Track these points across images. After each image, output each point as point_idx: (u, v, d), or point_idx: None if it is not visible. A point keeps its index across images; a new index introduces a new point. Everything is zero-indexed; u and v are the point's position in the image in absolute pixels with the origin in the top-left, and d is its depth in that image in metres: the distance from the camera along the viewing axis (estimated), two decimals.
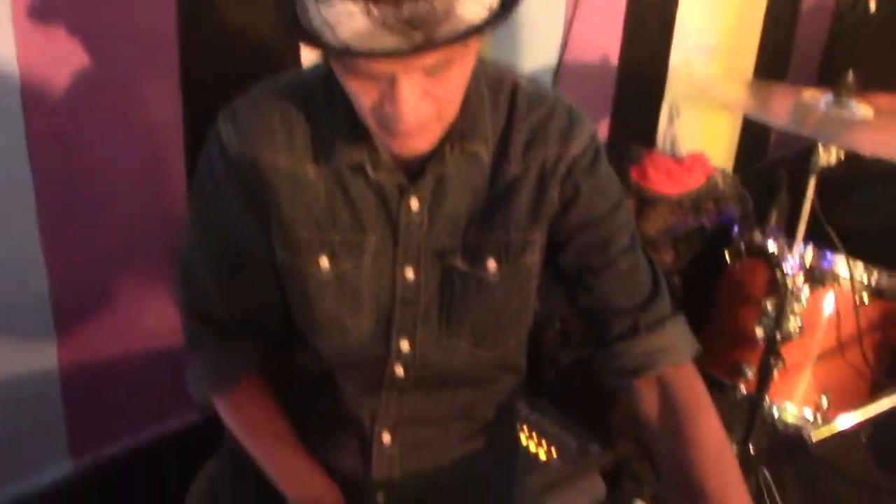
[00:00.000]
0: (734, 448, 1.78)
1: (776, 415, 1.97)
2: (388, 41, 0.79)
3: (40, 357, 1.54)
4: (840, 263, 1.90)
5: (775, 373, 1.86)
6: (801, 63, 3.28)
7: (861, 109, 1.78)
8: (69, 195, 1.48)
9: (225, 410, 1.14)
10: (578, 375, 2.00)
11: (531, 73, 1.10)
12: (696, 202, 2.27)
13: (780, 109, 1.89)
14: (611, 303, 1.08)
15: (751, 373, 1.94)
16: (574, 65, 2.32)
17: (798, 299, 1.85)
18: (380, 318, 1.08)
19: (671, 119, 2.79)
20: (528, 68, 2.19)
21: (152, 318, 1.65)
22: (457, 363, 1.11)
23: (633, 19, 2.48)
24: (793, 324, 1.84)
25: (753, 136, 3.18)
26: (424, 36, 0.79)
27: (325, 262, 1.05)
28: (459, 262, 1.06)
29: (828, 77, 1.92)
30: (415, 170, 1.02)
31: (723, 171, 2.42)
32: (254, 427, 1.13)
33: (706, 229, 2.27)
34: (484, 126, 1.02)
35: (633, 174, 2.30)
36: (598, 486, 1.74)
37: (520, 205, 1.05)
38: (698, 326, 1.13)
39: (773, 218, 2.08)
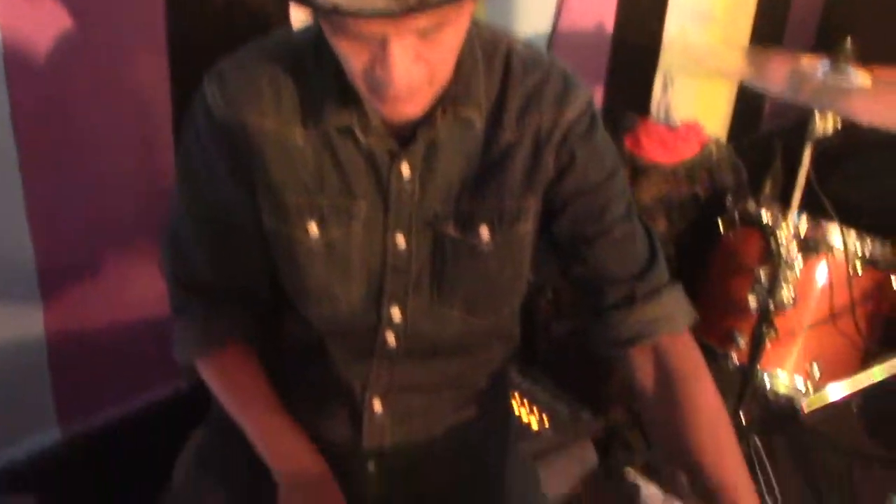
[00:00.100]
0: None
1: (768, 384, 1.97)
2: (380, 1, 0.77)
3: (26, 325, 1.53)
4: (834, 233, 1.90)
5: (767, 342, 1.86)
6: (797, 30, 3.26)
7: (859, 77, 1.77)
8: (54, 163, 1.46)
9: (210, 376, 1.13)
10: (571, 345, 2.00)
11: (525, 38, 1.07)
12: (690, 171, 2.26)
13: (777, 77, 1.87)
14: (606, 272, 1.07)
15: (743, 342, 1.94)
16: (568, 31, 2.29)
17: (791, 268, 1.85)
18: (370, 286, 1.07)
19: (666, 87, 2.77)
20: (521, 34, 2.14)
21: (140, 286, 1.63)
22: (449, 332, 1.10)
23: None
24: (786, 293, 1.84)
25: (748, 106, 3.17)
26: None
27: (313, 228, 1.03)
28: (451, 230, 1.05)
29: (825, 44, 1.89)
30: (406, 135, 1.00)
31: (717, 141, 2.41)
32: (239, 393, 1.12)
33: (700, 198, 2.26)
34: (477, 91, 1.00)
35: (627, 143, 2.30)
36: (589, 455, 1.74)
37: (514, 171, 1.03)
38: (691, 296, 1.12)
39: (768, 187, 2.07)
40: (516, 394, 1.74)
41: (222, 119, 1.00)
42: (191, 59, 1.52)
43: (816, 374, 1.96)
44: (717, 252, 2.10)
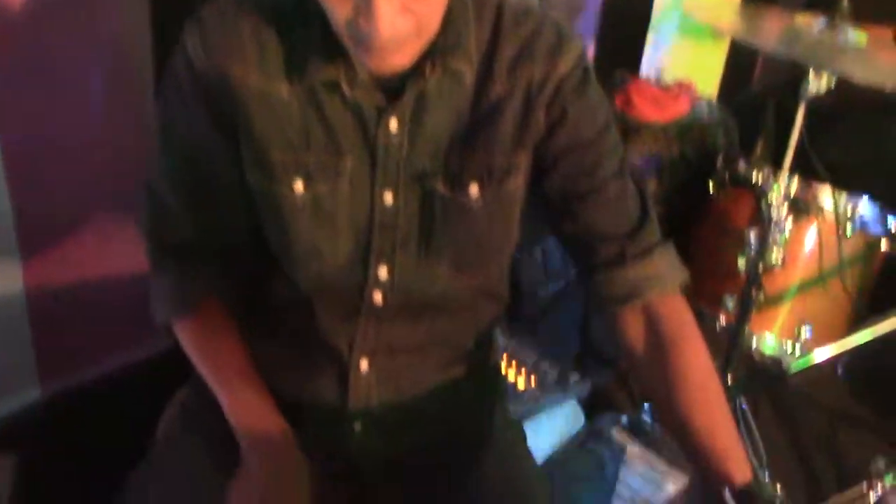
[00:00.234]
0: None
1: (755, 346, 1.98)
2: None
3: (6, 284, 1.51)
4: (825, 195, 1.89)
5: (756, 304, 1.86)
6: None
7: (854, 36, 1.74)
8: (31, 115, 1.43)
9: (183, 334, 1.12)
10: (559, 304, 1.99)
11: None
12: (680, 131, 2.24)
13: (771, 34, 1.84)
14: (597, 230, 1.05)
15: (731, 303, 1.94)
16: None
17: (781, 230, 1.84)
18: (357, 243, 1.05)
19: (657, 45, 2.74)
20: None
21: (123, 243, 1.61)
22: (436, 290, 1.08)
23: None
24: (775, 255, 1.83)
25: (739, 65, 3.14)
26: None
27: (299, 185, 1.01)
28: (440, 186, 1.02)
29: (820, 1, 1.87)
30: (394, 88, 0.98)
31: (708, 100, 2.39)
32: (210, 353, 1.11)
33: (690, 159, 2.24)
34: (467, 42, 0.97)
35: (618, 101, 2.27)
36: (576, 416, 1.75)
37: (504, 126, 1.01)
38: (680, 257, 1.11)
39: (759, 148, 2.06)
40: (504, 354, 1.73)
41: (203, 71, 0.98)
42: (172, 7, 1.48)
43: (803, 335, 1.96)
44: (707, 213, 2.10)
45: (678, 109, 2.28)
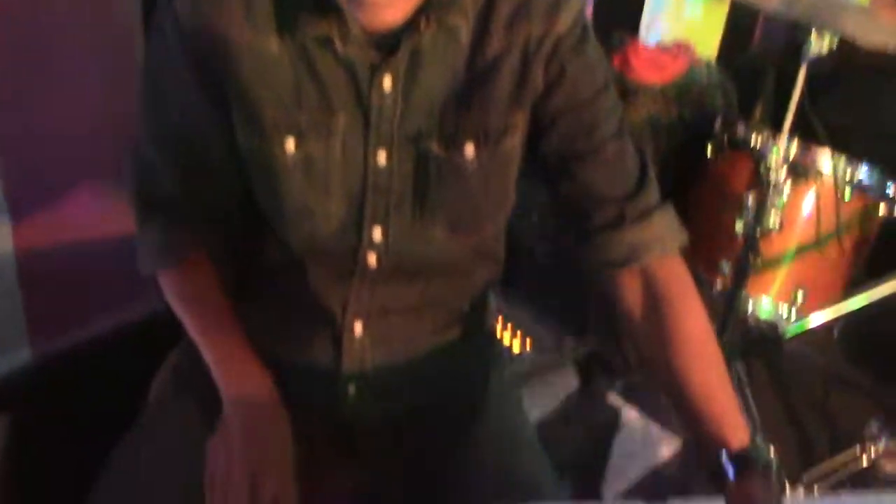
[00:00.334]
0: None
1: (751, 310, 1.97)
2: None
3: None
4: (824, 158, 1.88)
5: (752, 268, 1.85)
6: None
7: None
8: (17, 72, 1.40)
9: (168, 287, 1.11)
10: (555, 268, 1.98)
11: None
12: (678, 92, 2.23)
13: None
14: (595, 191, 1.03)
15: (728, 267, 1.94)
16: None
17: (779, 194, 1.83)
18: (351, 205, 1.03)
19: (656, 6, 2.70)
20: None
21: (114, 201, 1.59)
22: (431, 252, 1.07)
23: None
24: (773, 219, 1.82)
25: (740, 27, 3.10)
26: None
27: (290, 144, 0.99)
28: (435, 147, 1.00)
29: None
30: (387, 45, 0.95)
31: (707, 62, 2.36)
32: (195, 308, 1.11)
33: (688, 121, 2.22)
34: None
35: (615, 62, 2.25)
36: (570, 379, 1.74)
37: (501, 85, 0.99)
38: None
39: (758, 110, 2.04)
40: (499, 317, 1.72)
41: (191, 28, 0.95)
42: None
43: (800, 300, 1.96)
44: (704, 177, 2.08)
45: (676, 71, 2.26)
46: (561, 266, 1.89)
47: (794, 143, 1.83)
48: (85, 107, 1.50)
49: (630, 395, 1.94)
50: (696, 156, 2.09)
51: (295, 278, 1.08)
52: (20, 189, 1.47)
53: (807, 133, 1.87)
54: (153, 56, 1.01)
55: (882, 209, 1.94)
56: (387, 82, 0.97)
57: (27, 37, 1.40)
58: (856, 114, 2.16)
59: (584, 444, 1.69)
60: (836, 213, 1.90)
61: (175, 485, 1.07)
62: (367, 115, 0.98)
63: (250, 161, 1.02)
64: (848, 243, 1.95)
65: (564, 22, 0.98)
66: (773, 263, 1.94)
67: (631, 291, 1.05)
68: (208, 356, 1.08)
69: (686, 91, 2.24)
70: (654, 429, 1.83)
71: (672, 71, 2.25)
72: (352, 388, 1.13)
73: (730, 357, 1.91)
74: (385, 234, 1.04)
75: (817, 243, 1.93)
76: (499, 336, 1.68)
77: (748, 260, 1.83)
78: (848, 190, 1.89)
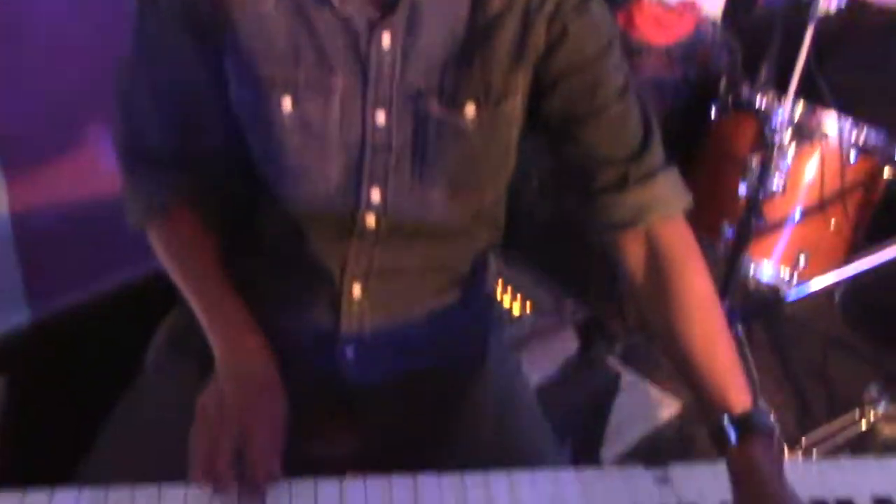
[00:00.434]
0: None
1: (752, 273, 1.97)
2: None
3: None
4: (830, 120, 1.85)
5: (755, 231, 1.84)
6: None
7: None
8: (10, 32, 1.37)
9: (157, 240, 1.09)
10: (555, 230, 1.97)
11: None
12: (683, 52, 2.19)
13: None
14: (599, 153, 1.01)
15: (731, 230, 1.92)
16: None
17: (784, 156, 1.81)
18: (349, 165, 1.01)
19: None
20: None
21: (110, 161, 1.57)
22: (431, 214, 1.06)
23: None
24: (776, 181, 1.80)
25: None
26: None
27: (287, 102, 0.97)
28: (435, 107, 0.99)
29: None
30: (386, 2, 0.93)
31: (713, 21, 2.33)
32: (184, 263, 1.08)
33: (693, 81, 2.20)
34: None
35: (620, 21, 2.21)
36: (570, 342, 1.74)
37: (502, 44, 0.97)
38: None
39: (764, 71, 2.01)
40: (499, 280, 1.71)
41: None
42: None
43: (802, 263, 1.95)
44: (709, 138, 2.06)
45: (681, 30, 2.23)
46: (561, 228, 1.88)
47: (800, 105, 1.81)
48: (78, 61, 1.48)
49: (630, 359, 1.94)
50: (699, 117, 2.07)
51: (292, 240, 1.07)
52: (14, 150, 1.45)
53: (812, 94, 1.85)
54: (145, 7, 0.99)
55: (887, 172, 1.92)
56: (385, 40, 0.95)
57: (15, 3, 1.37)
58: (863, 75, 2.12)
59: (583, 407, 1.69)
60: (841, 176, 1.88)
61: (173, 444, 1.06)
62: (366, 74, 0.96)
63: (246, 118, 1.00)
64: (851, 207, 1.93)
65: None
66: (776, 226, 1.93)
67: (634, 254, 1.04)
68: (196, 306, 1.05)
69: (691, 51, 2.21)
70: (654, 392, 1.83)
71: (677, 31, 2.22)
72: (350, 351, 1.12)
73: (730, 320, 1.91)
74: (384, 195, 1.03)
75: (821, 207, 1.91)
76: (499, 299, 1.67)
77: (751, 222, 1.82)
78: (853, 152, 1.87)
